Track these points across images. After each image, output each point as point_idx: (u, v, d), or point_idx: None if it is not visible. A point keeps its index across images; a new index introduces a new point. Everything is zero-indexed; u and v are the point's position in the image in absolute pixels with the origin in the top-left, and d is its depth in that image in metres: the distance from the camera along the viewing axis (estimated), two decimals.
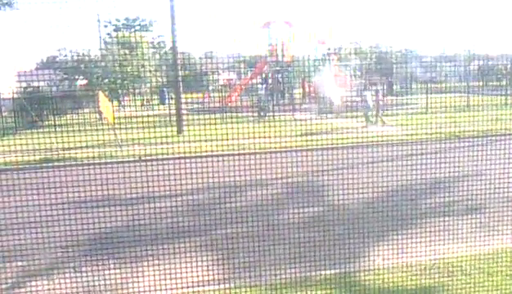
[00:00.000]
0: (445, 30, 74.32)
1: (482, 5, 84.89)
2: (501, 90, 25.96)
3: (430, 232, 5.64)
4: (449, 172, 5.60)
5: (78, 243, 5.72)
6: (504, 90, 25.88)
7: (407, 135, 9.31)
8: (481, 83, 28.33)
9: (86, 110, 22.66)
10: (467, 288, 5.08)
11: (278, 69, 31.06)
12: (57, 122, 20.50)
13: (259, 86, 30.10)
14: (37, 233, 4.83)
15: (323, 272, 5.35)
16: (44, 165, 11.41)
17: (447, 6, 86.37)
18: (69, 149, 10.61)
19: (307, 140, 6.23)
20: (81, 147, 9.10)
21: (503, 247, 5.79)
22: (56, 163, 11.92)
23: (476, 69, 26.79)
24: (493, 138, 11.71)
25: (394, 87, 31.20)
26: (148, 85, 29.33)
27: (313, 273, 5.36)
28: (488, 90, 26.40)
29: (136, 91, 30.25)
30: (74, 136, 5.82)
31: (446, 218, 6.51)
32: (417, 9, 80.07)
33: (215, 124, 6.11)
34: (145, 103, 26.84)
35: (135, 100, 29.08)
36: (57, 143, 5.93)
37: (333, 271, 5.41)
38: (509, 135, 9.74)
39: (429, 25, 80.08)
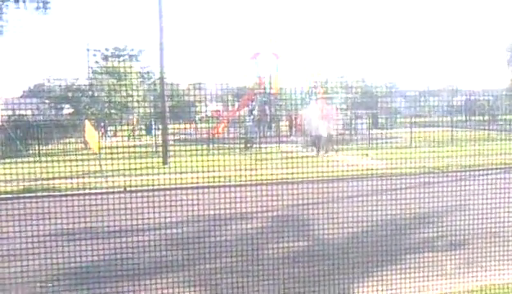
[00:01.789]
0: (429, 66, 76.03)
1: (465, 41, 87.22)
2: (484, 125, 26.43)
3: (414, 268, 5.63)
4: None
5: (58, 277, 5.59)
6: (487, 125, 26.34)
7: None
8: (464, 118, 28.83)
9: (72, 139, 22.52)
10: None
11: (265, 100, 31.31)
12: (42, 152, 20.33)
13: (246, 117, 30.25)
14: (15, 266, 4.73)
15: None
16: (26, 195, 11.26)
17: (431, 43, 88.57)
18: (53, 178, 10.50)
19: (289, 173, 6.24)
20: (65, 177, 9.01)
21: (487, 284, 5.78)
22: (38, 194, 11.76)
23: (459, 103, 27.24)
24: (474, 172, 11.85)
25: (380, 120, 31.56)
26: (135, 115, 29.33)
27: None
28: (472, 124, 26.87)
29: (123, 121, 30.22)
30: (58, 166, 5.77)
31: (430, 253, 6.52)
32: (402, 45, 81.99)
33: (201, 155, 6.12)
34: (131, 134, 26.80)
35: (121, 130, 29.03)
36: (41, 173, 5.87)
37: None
38: (490, 169, 9.88)
39: (414, 61, 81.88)
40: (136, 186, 9.67)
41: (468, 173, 12.06)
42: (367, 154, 19.81)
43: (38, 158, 17.10)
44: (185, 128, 24.81)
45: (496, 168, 9.74)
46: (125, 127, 29.53)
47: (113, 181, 11.31)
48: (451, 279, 5.73)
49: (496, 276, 5.68)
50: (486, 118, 27.75)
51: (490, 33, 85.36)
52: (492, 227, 5.54)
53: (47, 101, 30.82)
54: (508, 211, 5.51)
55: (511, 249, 5.79)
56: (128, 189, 10.05)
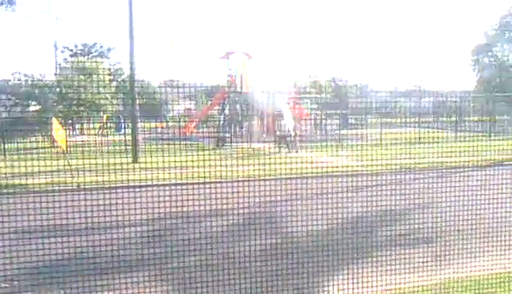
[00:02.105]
0: (398, 67, 77.40)
1: (433, 42, 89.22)
2: (452, 125, 27.05)
3: (384, 262, 5.68)
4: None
5: (24, 275, 5.42)
6: (454, 125, 26.98)
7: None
8: (432, 118, 29.47)
9: (38, 137, 21.96)
10: None
11: (237, 99, 31.26)
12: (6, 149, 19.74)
13: (218, 116, 30.20)
14: None
15: None
16: None
17: (400, 43, 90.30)
18: (19, 175, 10.19)
19: (259, 170, 6.21)
20: (32, 173, 8.75)
21: (455, 277, 5.89)
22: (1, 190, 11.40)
23: (427, 104, 27.86)
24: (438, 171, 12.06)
25: (350, 121, 31.92)
26: (104, 112, 28.86)
27: None
28: (440, 125, 27.47)
29: (92, 118, 29.68)
30: (22, 161, 5.59)
31: (400, 249, 6.58)
32: (372, 46, 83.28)
33: (174, 153, 6.03)
34: (99, 132, 26.37)
35: (89, 128, 28.52)
36: (6, 167, 5.68)
37: None
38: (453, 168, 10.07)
39: (383, 61, 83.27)
40: (103, 183, 9.45)
41: (436, 171, 12.27)
42: (337, 153, 19.97)
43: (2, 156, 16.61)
44: (156, 126, 24.56)
45: (463, 167, 9.93)
46: (94, 125, 29.01)
47: (79, 177, 11.06)
48: (421, 273, 5.80)
49: (464, 269, 5.79)
50: (453, 118, 28.43)
51: (456, 36, 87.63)
52: (459, 223, 5.64)
53: (13, 98, 30.01)
54: (474, 207, 5.62)
55: (477, 243, 5.90)
56: (81, 186, 9.83)
